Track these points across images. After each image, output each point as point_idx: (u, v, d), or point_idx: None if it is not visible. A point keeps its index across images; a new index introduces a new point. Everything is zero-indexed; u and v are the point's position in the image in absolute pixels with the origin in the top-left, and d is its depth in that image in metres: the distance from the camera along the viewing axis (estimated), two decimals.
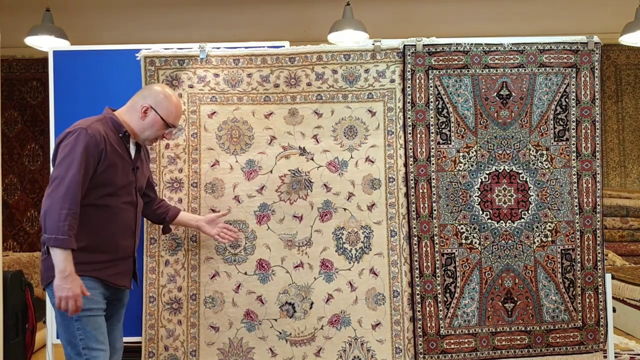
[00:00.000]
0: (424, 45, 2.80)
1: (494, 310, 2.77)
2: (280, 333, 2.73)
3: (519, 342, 2.77)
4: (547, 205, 2.80)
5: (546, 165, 2.81)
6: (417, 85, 2.80)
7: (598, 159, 2.81)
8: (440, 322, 2.76)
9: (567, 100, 2.82)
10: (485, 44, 2.82)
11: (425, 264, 2.76)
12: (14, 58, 6.31)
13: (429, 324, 2.75)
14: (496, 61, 2.81)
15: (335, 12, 4.80)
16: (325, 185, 2.78)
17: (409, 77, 2.80)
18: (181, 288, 2.73)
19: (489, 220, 2.79)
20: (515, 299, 2.78)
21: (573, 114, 2.82)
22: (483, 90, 2.81)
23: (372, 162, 2.80)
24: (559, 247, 2.80)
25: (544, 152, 2.81)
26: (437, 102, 2.80)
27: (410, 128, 2.79)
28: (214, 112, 2.79)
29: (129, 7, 5.88)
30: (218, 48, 2.81)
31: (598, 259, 2.80)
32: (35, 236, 6.20)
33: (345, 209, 2.78)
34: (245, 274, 2.74)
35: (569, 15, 5.84)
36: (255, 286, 2.74)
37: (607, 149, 6.49)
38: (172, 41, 3.13)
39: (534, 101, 2.81)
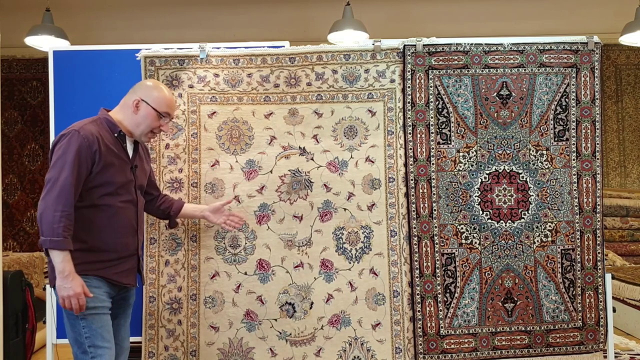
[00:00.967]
0: (424, 45, 2.80)
1: (494, 310, 2.77)
2: (280, 333, 2.73)
3: (519, 342, 2.77)
4: (547, 205, 2.80)
5: (546, 165, 2.81)
6: (417, 85, 2.80)
7: (598, 159, 2.81)
8: (440, 322, 2.76)
9: (567, 100, 2.82)
10: (485, 44, 2.82)
11: (425, 264, 2.76)
12: (14, 58, 6.30)
13: (429, 324, 2.76)
14: (496, 61, 2.81)
15: (335, 12, 4.80)
16: (325, 185, 2.78)
17: (409, 77, 2.80)
18: (181, 288, 2.73)
19: (489, 220, 2.79)
20: (515, 299, 2.78)
21: (573, 114, 2.82)
22: (483, 90, 2.81)
23: (372, 162, 2.80)
24: (559, 247, 2.80)
25: (544, 152, 2.81)
26: (437, 102, 2.80)
27: (410, 128, 2.79)
28: (214, 112, 2.79)
29: (129, 7, 5.88)
30: (218, 48, 2.81)
31: (598, 259, 2.80)
32: (35, 236, 6.20)
33: (345, 209, 2.78)
34: (245, 274, 2.74)
35: (569, 15, 5.84)
36: (255, 286, 2.74)
37: (607, 149, 6.48)
38: (172, 41, 3.14)
39: (534, 101, 2.81)
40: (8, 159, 6.25)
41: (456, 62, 2.80)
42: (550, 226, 2.80)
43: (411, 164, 2.79)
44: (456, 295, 2.77)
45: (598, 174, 2.81)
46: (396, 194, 2.79)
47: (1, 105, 5.97)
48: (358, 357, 2.74)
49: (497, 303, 2.78)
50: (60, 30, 4.59)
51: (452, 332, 2.76)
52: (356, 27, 4.54)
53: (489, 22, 5.90)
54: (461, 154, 2.80)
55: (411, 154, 2.79)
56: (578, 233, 2.80)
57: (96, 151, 2.13)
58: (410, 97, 2.79)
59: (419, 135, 2.80)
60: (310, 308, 2.75)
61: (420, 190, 2.78)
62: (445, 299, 2.76)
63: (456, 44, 2.81)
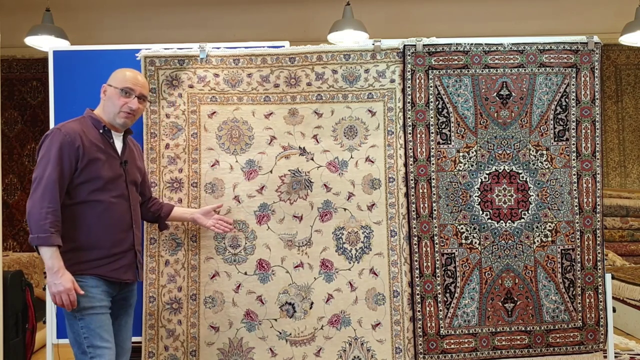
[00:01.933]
0: (424, 45, 2.80)
1: (494, 310, 2.77)
2: (280, 333, 2.73)
3: (519, 342, 2.77)
4: (547, 205, 2.80)
5: (546, 165, 2.81)
6: (417, 85, 2.80)
7: (598, 159, 2.81)
8: (440, 322, 2.76)
9: (567, 100, 2.82)
10: (485, 44, 2.82)
11: (425, 264, 2.76)
12: (14, 58, 6.30)
13: (429, 324, 2.76)
14: (496, 61, 2.81)
15: (335, 12, 4.80)
16: (325, 185, 2.78)
17: (409, 77, 2.80)
18: (181, 288, 2.73)
19: (489, 220, 2.79)
20: (515, 299, 2.78)
21: (573, 114, 2.82)
22: (483, 90, 2.81)
23: (372, 162, 2.80)
24: (559, 247, 2.80)
25: (544, 152, 2.81)
26: (437, 102, 2.80)
27: (410, 128, 2.79)
28: (214, 112, 2.79)
29: (129, 7, 5.88)
30: (218, 48, 2.81)
31: (598, 259, 2.80)
32: None
33: (345, 209, 2.78)
34: (245, 274, 2.74)
35: (569, 15, 5.84)
36: (255, 286, 2.74)
37: (607, 149, 6.48)
38: (172, 41, 3.14)
39: (534, 101, 2.81)
40: (8, 159, 6.25)
41: (456, 62, 2.80)
42: (550, 226, 2.80)
43: (411, 164, 2.79)
44: (456, 295, 2.77)
45: (598, 174, 2.81)
46: (396, 194, 2.79)
47: (1, 105, 5.97)
48: (358, 357, 2.74)
49: (497, 303, 2.78)
50: (60, 30, 4.59)
51: (452, 332, 2.76)
52: (356, 27, 4.54)
53: (489, 22, 5.90)
54: (461, 154, 2.80)
55: (411, 154, 2.79)
56: (578, 233, 2.80)
57: (79, 147, 2.16)
58: (410, 97, 2.79)
59: (419, 135, 2.80)
60: (310, 308, 2.74)
61: (420, 190, 2.78)
62: (445, 299, 2.76)
63: (456, 44, 2.81)
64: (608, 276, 2.83)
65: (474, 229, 2.79)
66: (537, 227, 2.80)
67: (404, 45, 2.80)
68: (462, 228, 2.79)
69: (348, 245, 2.77)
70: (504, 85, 2.81)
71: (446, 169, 2.80)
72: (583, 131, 2.82)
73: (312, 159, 2.79)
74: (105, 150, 2.25)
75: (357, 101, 2.81)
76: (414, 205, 2.78)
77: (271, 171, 2.78)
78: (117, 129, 2.32)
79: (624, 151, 6.55)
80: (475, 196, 2.80)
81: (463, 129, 2.80)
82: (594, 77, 2.82)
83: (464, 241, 2.78)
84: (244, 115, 2.79)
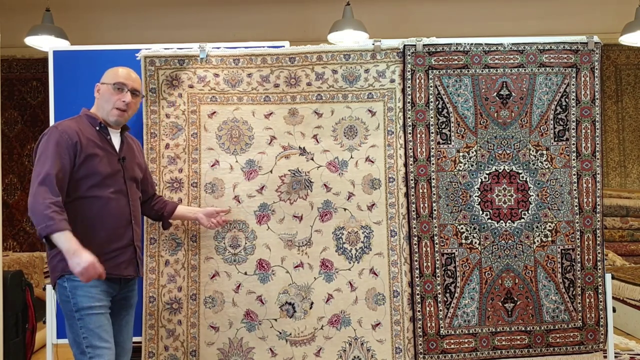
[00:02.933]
0: (424, 45, 2.80)
1: (494, 310, 2.77)
2: (280, 333, 2.73)
3: (519, 342, 2.77)
4: (547, 205, 2.80)
5: (546, 165, 2.81)
6: (417, 85, 2.80)
7: (598, 159, 2.81)
8: (440, 322, 2.76)
9: (567, 100, 2.82)
10: (485, 44, 2.82)
11: (425, 264, 2.76)
12: (14, 58, 6.31)
13: (429, 324, 2.75)
14: (496, 61, 2.81)
15: (335, 12, 4.80)
16: (325, 185, 2.78)
17: (409, 77, 2.80)
18: (181, 288, 2.73)
19: (489, 220, 2.79)
20: (515, 299, 2.78)
21: (573, 114, 2.82)
22: (483, 90, 2.81)
23: (372, 162, 2.80)
24: (559, 247, 2.80)
25: (544, 152, 2.81)
26: (437, 102, 2.80)
27: (410, 128, 2.79)
28: (214, 112, 2.79)
29: (129, 7, 5.88)
30: (218, 48, 2.81)
31: (598, 259, 2.80)
32: (35, 236, 6.20)
33: (345, 209, 2.78)
34: (245, 274, 2.74)
35: (569, 15, 5.84)
36: (255, 286, 2.74)
37: (607, 149, 6.48)
38: (172, 41, 3.13)
39: (534, 101, 2.81)
40: (8, 159, 6.25)
41: (456, 62, 2.80)
42: (550, 226, 2.80)
43: (411, 164, 2.79)
44: (456, 295, 2.77)
45: (598, 174, 2.81)
46: (396, 194, 2.79)
47: (1, 105, 5.97)
48: (358, 357, 2.74)
49: (497, 303, 2.77)
50: (60, 30, 4.59)
51: (452, 332, 2.76)
52: (356, 27, 4.54)
53: (489, 22, 5.90)
54: (461, 154, 2.80)
55: (411, 154, 2.79)
56: (578, 233, 2.80)
57: (77, 143, 2.17)
58: (410, 97, 2.79)
59: (419, 135, 2.80)
60: (310, 308, 2.74)
61: (420, 190, 2.78)
62: (445, 299, 2.76)
63: (456, 44, 2.81)
64: (608, 276, 2.83)
65: (474, 229, 2.79)
66: (537, 227, 2.80)
67: (404, 45, 2.80)
68: (462, 228, 2.79)
69: (348, 245, 2.77)
70: (504, 85, 2.81)
71: (446, 169, 2.80)
72: (583, 131, 2.82)
73: (312, 159, 2.79)
74: (103, 146, 2.26)
75: (357, 101, 2.81)
76: (414, 205, 2.78)
77: (271, 171, 2.78)
78: (113, 126, 2.33)
79: (624, 151, 6.55)
80: (475, 196, 2.80)
81: (463, 129, 2.80)
82: (594, 77, 2.82)
83: (464, 241, 2.78)
84: (244, 115, 2.79)
